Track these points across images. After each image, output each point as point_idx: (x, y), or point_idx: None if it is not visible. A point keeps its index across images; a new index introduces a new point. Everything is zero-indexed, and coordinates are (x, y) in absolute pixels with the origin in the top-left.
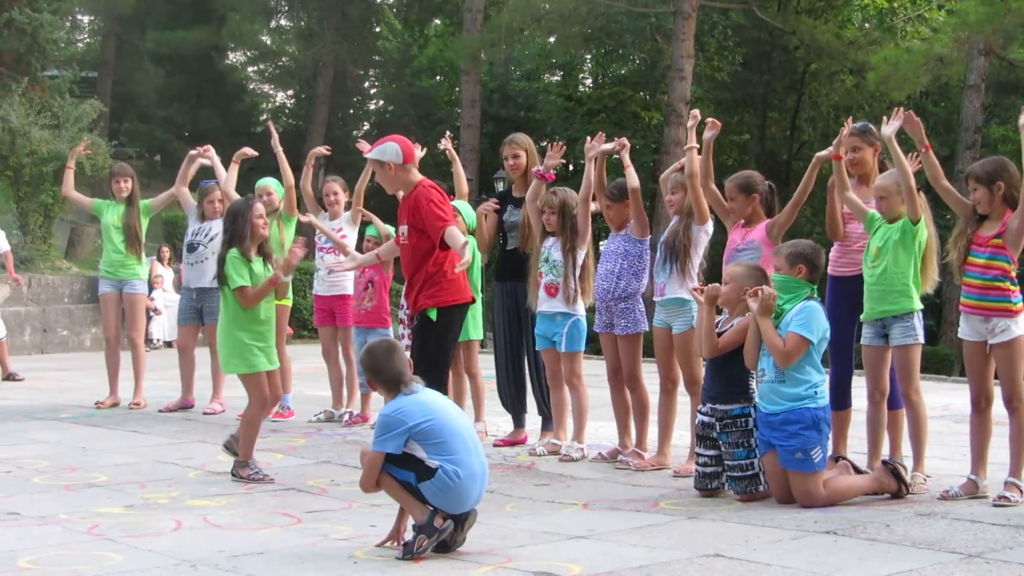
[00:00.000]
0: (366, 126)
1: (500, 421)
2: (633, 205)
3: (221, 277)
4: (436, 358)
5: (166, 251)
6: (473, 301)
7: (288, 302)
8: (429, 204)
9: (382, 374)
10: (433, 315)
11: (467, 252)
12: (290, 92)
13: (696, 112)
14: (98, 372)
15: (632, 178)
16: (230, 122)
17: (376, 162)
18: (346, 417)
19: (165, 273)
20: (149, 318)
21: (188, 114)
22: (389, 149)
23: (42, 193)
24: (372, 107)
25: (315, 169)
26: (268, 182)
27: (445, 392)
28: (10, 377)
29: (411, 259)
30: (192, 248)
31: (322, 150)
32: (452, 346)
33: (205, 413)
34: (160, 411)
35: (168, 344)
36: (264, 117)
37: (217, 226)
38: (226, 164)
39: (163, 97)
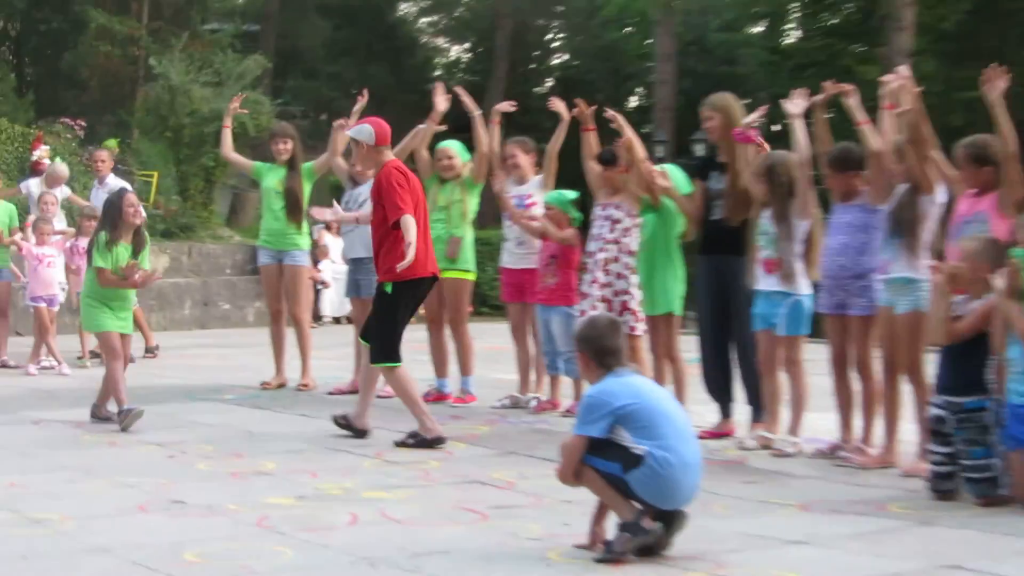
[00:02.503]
0: (549, 82)
1: (705, 410)
2: (874, 170)
3: (89, 253)
4: (385, 330)
5: None
6: (433, 276)
7: (470, 276)
8: (390, 186)
9: (597, 347)
10: (388, 288)
11: (410, 252)
12: (466, 45)
13: (904, 69)
14: (263, 349)
15: (872, 137)
16: (402, 78)
17: (352, 141)
18: (534, 403)
19: (333, 243)
20: (317, 292)
21: (357, 70)
22: (364, 130)
23: (203, 155)
24: (555, 62)
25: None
26: (450, 145)
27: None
28: (152, 351)
29: (375, 234)
30: None
31: (507, 105)
32: (405, 318)
33: (380, 396)
34: (330, 394)
35: (337, 320)
36: (437, 73)
37: (366, 190)
38: (407, 128)
39: (330, 52)
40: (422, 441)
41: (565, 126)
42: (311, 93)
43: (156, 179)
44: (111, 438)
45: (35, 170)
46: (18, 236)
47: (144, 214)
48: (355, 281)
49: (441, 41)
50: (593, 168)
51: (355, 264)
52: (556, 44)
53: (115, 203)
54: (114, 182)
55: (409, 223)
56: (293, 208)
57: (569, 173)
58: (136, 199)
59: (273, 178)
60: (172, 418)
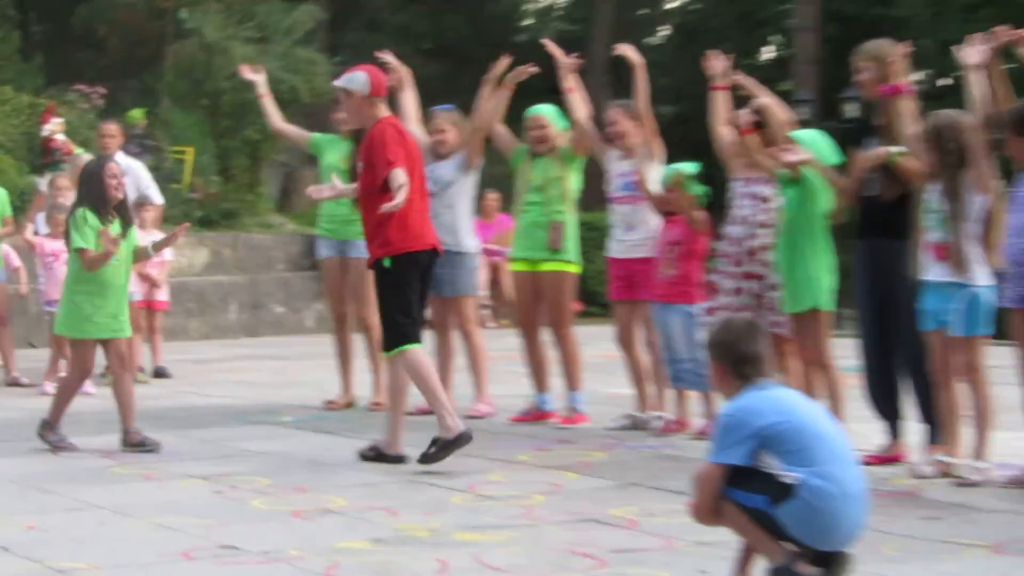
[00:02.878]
0: (665, 30)
1: (868, 430)
2: None
3: (67, 236)
4: (394, 309)
5: None
6: (433, 249)
7: (573, 267)
8: (383, 142)
9: (734, 354)
10: (387, 263)
11: (400, 194)
12: None
13: None
14: (325, 361)
15: None
16: (482, 30)
17: (342, 91)
18: (658, 423)
19: None
20: None
21: (428, 21)
22: (357, 78)
23: (247, 127)
24: (671, 5)
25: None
26: (541, 112)
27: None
28: (161, 373)
29: (363, 201)
30: None
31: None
32: (413, 298)
33: (470, 416)
34: (410, 413)
35: None
36: (527, 22)
37: (448, 168)
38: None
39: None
40: (445, 445)
41: (641, 74)
42: (375, 48)
43: (191, 156)
44: (147, 469)
45: (46, 147)
46: (29, 230)
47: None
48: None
49: None
50: (725, 135)
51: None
52: None
53: (95, 173)
54: (124, 161)
55: (398, 174)
56: None
57: (680, 142)
58: (119, 169)
59: (335, 153)
60: (219, 446)
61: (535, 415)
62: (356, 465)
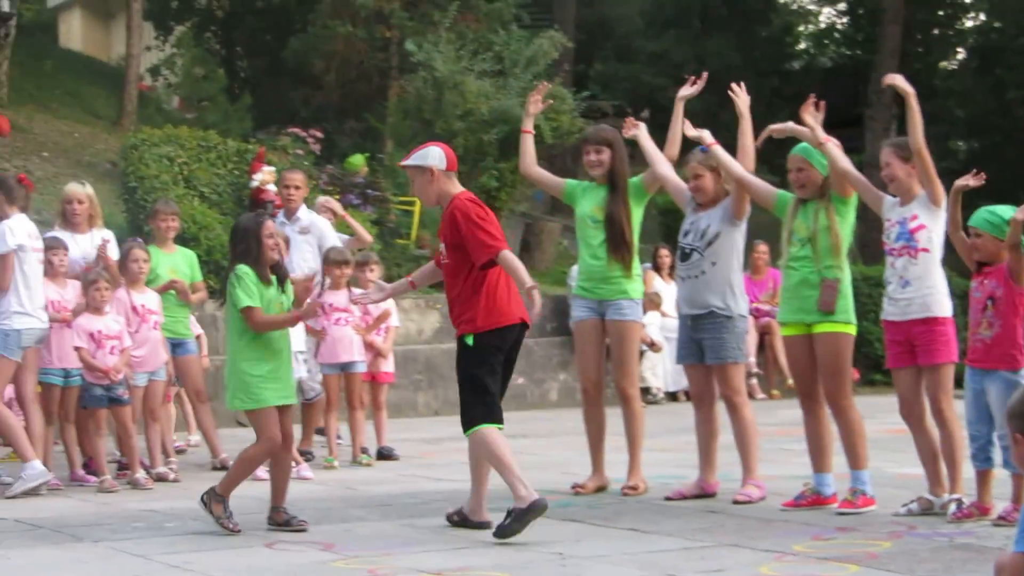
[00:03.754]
0: (960, 53)
1: None
2: None
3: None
4: (472, 389)
5: (666, 254)
6: (524, 323)
7: (849, 328)
8: (470, 221)
9: None
10: (470, 340)
11: (536, 296)
12: (840, 6)
13: None
14: (573, 440)
15: None
16: (753, 55)
17: (416, 168)
18: (953, 507)
19: (664, 289)
20: (640, 355)
21: (690, 47)
22: (432, 153)
23: (483, 173)
24: (968, 24)
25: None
26: (800, 151)
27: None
28: (386, 454)
29: (450, 283)
30: (685, 255)
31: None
32: (496, 375)
33: (737, 501)
34: (668, 499)
35: (673, 396)
36: (801, 46)
37: (712, 218)
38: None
39: (652, 23)
40: (520, 515)
41: (913, 109)
42: (628, 81)
43: (418, 208)
44: (372, 563)
45: (257, 200)
46: None
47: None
48: (694, 342)
49: (807, 1)
50: None
51: (698, 321)
52: None
53: (251, 231)
54: (307, 217)
55: (509, 258)
56: (617, 241)
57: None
58: (275, 227)
59: (590, 201)
60: (453, 536)
61: (812, 499)
62: (610, 559)
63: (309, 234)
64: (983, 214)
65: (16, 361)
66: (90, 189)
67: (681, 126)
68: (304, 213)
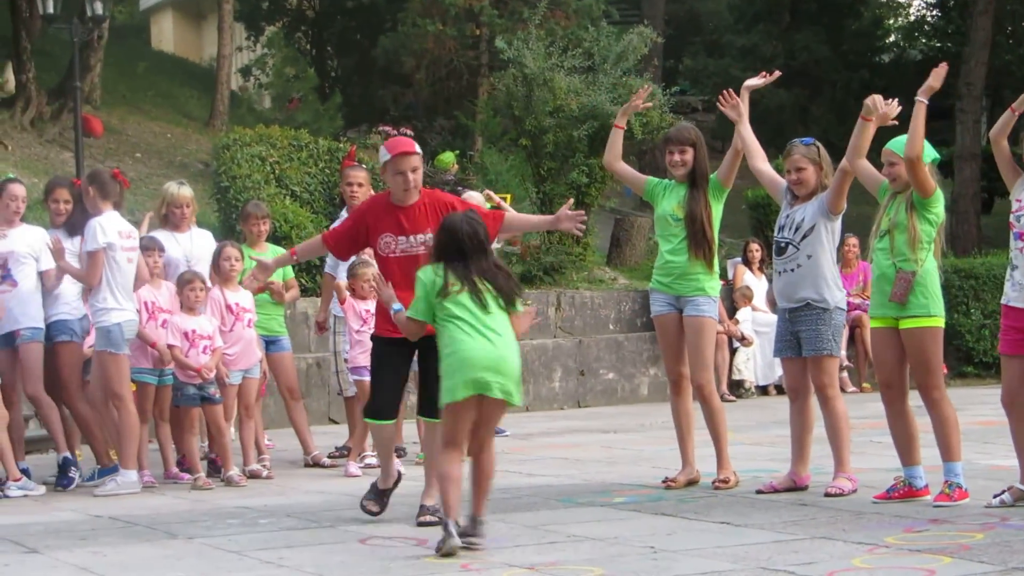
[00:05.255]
0: None
1: None
2: None
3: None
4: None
5: (756, 249)
6: None
7: (936, 321)
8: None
9: None
10: None
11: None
12: None
13: None
14: (663, 434)
15: None
16: (842, 48)
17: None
18: None
19: (754, 283)
20: (733, 351)
21: (778, 40)
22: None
23: (573, 169)
24: None
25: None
26: (895, 145)
27: None
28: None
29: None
30: (781, 248)
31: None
32: None
33: (828, 494)
34: (759, 492)
35: (763, 390)
36: (892, 39)
37: (809, 211)
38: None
39: (741, 17)
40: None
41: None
42: (717, 76)
43: (510, 203)
44: (465, 558)
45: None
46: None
47: None
48: (791, 335)
49: None
50: None
51: (795, 315)
52: None
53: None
54: None
55: None
56: (698, 239)
57: None
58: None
59: (670, 200)
60: (544, 531)
61: (904, 492)
62: (702, 552)
63: None
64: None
65: (127, 355)
66: (190, 191)
67: (746, 115)
68: None
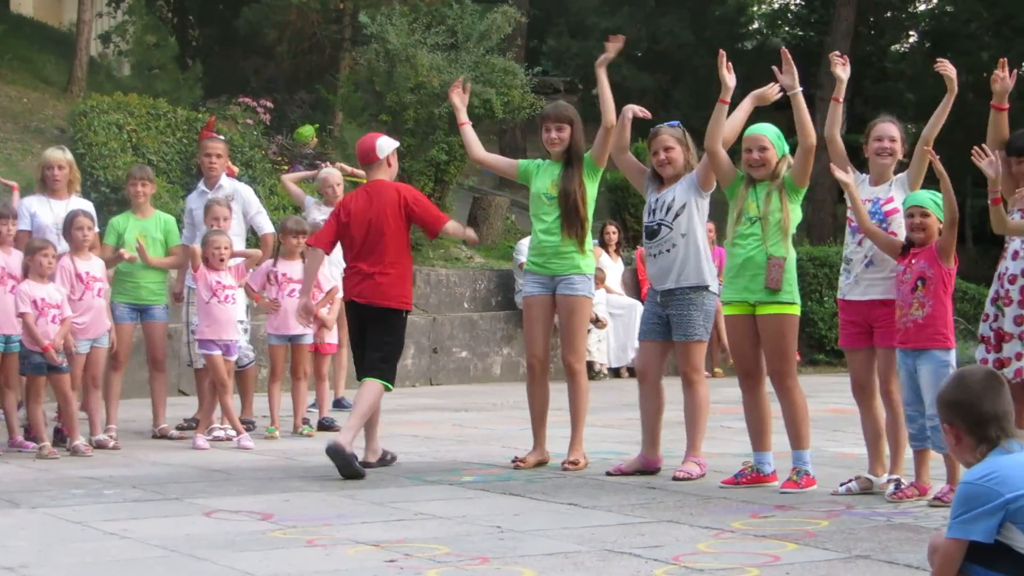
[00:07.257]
0: (912, 37)
1: None
2: None
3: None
4: (398, 353)
5: (613, 231)
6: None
7: (793, 309)
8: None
9: (972, 414)
10: (404, 313)
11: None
12: None
13: None
14: (515, 414)
15: None
16: (705, 34)
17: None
18: (892, 488)
19: (610, 265)
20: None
21: (643, 24)
22: (387, 145)
23: (432, 147)
24: (921, 8)
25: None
26: (761, 131)
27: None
28: (327, 425)
29: (385, 258)
30: (653, 231)
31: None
32: None
33: (676, 478)
34: (609, 474)
35: (616, 372)
36: (755, 26)
37: (679, 192)
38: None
39: (606, 1)
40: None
41: (950, 101)
42: (580, 57)
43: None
44: (311, 534)
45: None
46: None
47: None
48: (660, 318)
49: None
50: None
51: (667, 297)
52: None
53: None
54: (230, 185)
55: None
56: (571, 218)
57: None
58: None
59: (544, 179)
60: (392, 508)
61: (752, 478)
62: (547, 532)
63: (233, 202)
64: (927, 196)
65: None
66: (69, 155)
67: (610, 92)
68: (226, 181)
